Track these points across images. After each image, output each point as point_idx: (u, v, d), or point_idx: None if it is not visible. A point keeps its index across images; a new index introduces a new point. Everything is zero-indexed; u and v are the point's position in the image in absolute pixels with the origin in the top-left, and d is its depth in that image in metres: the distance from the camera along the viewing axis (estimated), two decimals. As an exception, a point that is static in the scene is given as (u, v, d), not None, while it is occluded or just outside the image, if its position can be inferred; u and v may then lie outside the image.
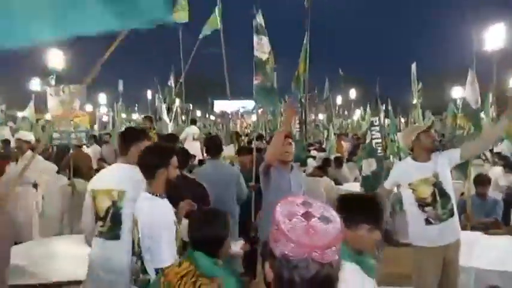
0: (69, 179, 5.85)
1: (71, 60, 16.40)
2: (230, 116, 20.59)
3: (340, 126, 23.04)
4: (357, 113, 30.58)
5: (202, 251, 2.02)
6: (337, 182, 7.63)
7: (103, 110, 30.53)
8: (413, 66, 8.15)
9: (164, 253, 2.29)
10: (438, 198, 3.46)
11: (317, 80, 16.05)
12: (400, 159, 6.81)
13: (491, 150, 8.14)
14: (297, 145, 5.25)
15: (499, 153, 8.10)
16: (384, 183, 3.92)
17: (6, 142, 8.66)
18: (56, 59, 13.87)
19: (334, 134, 12.23)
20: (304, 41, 6.78)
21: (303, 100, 7.35)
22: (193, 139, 9.77)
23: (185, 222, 2.51)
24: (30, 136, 5.77)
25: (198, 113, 40.86)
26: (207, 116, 43.13)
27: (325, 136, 14.29)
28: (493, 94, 14.72)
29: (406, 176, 3.61)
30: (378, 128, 5.65)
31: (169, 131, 9.67)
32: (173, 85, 12.37)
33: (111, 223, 2.79)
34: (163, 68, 14.44)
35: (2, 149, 8.36)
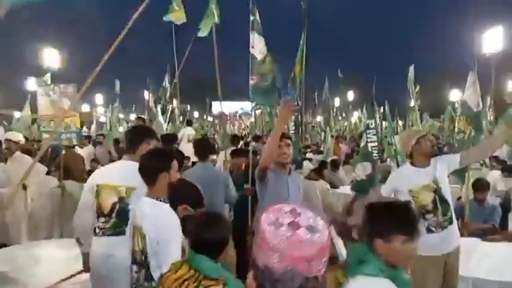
0: (59, 180, 5.74)
1: (67, 59, 16.33)
2: (228, 118, 20.57)
3: (341, 127, 23.03)
4: (355, 115, 30.61)
5: (205, 254, 1.98)
6: (333, 185, 7.57)
7: (100, 110, 30.44)
8: (411, 68, 8.10)
9: (172, 257, 2.24)
10: (439, 205, 3.39)
11: (316, 81, 15.99)
12: (397, 162, 6.74)
13: (489, 154, 8.08)
14: (293, 147, 5.14)
15: (496, 157, 8.02)
16: (381, 190, 3.83)
17: (-2, 142, 8.55)
18: (52, 58, 13.78)
19: (332, 136, 12.17)
20: (301, 42, 6.67)
21: (299, 101, 7.27)
22: (188, 141, 9.68)
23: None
24: (19, 136, 5.68)
25: (196, 114, 40.78)
26: (205, 117, 43.08)
27: (323, 138, 14.24)
28: (491, 97, 14.72)
29: (405, 182, 3.51)
30: (373, 131, 5.56)
31: (164, 132, 9.59)
32: (168, 85, 12.30)
33: (117, 219, 2.78)
34: (160, 68, 14.36)
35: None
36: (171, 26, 9.35)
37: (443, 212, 3.39)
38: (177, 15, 7.91)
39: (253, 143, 8.91)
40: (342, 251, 2.98)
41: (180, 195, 2.81)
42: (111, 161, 8.88)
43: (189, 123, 12.11)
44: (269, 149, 3.27)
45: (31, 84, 23.63)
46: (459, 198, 5.56)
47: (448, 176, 3.62)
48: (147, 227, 2.35)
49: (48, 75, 10.00)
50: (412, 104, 11.33)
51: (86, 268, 2.96)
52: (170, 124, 12.44)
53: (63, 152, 6.16)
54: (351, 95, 37.61)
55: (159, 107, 10.89)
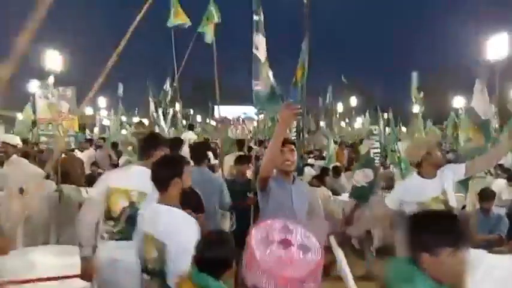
0: (57, 184, 5.66)
1: (69, 61, 16.33)
2: (232, 122, 20.54)
3: (347, 133, 22.99)
4: (359, 121, 30.55)
5: (207, 272, 1.92)
6: (335, 192, 7.46)
7: (103, 113, 30.52)
8: (414, 75, 8.03)
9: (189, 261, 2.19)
10: None
11: (319, 86, 15.96)
12: (400, 169, 6.64)
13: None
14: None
15: (501, 165, 7.90)
16: (387, 200, 3.72)
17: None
18: (54, 60, 13.75)
19: (335, 142, 12.05)
20: (303, 47, 6.49)
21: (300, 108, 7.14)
22: (189, 145, 9.60)
23: None
24: (16, 140, 5.60)
25: (199, 118, 40.81)
26: (208, 121, 43.17)
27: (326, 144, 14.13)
28: (495, 105, 14.61)
29: (414, 194, 3.41)
30: (377, 138, 5.48)
31: (167, 136, 9.54)
32: (169, 89, 12.26)
33: (126, 224, 2.79)
34: (162, 71, 14.35)
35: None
36: (172, 28, 9.34)
37: None
38: (182, 18, 7.89)
39: (256, 148, 8.83)
40: (343, 261, 2.88)
41: (183, 200, 2.79)
42: (112, 164, 8.82)
43: (191, 127, 12.07)
44: (270, 155, 2.91)
45: (33, 86, 23.70)
46: (463, 207, 5.45)
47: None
48: (163, 235, 2.29)
49: (52, 77, 9.96)
50: (414, 110, 11.25)
51: (85, 274, 2.88)
52: (173, 128, 12.39)
53: (62, 155, 6.10)
54: (354, 101, 37.55)
55: (160, 111, 10.85)
